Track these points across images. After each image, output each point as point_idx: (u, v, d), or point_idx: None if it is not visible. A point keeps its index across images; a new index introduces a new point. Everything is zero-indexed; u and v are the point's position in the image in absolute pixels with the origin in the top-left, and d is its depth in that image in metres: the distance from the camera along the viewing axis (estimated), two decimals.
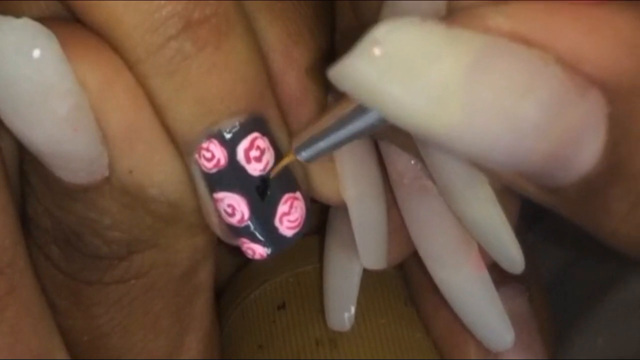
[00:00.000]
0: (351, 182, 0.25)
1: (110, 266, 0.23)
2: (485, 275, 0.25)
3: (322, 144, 0.21)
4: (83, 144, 0.21)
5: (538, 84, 0.17)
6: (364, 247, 0.26)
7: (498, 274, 0.26)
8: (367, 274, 0.27)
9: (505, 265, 0.24)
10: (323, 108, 0.24)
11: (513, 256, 0.24)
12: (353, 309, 0.27)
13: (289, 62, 0.23)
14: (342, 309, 0.27)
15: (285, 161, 0.22)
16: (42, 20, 0.20)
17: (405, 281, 0.29)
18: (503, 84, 0.17)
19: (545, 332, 0.29)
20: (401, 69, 0.17)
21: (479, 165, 0.21)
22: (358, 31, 0.17)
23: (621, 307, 0.30)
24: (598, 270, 0.32)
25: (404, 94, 0.17)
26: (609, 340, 0.30)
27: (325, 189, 0.25)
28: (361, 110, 0.20)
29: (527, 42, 0.17)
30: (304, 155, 0.21)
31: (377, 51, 0.17)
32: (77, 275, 0.23)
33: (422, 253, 0.25)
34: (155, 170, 0.22)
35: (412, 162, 0.24)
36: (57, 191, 0.22)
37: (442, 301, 0.26)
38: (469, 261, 0.25)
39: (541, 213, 0.35)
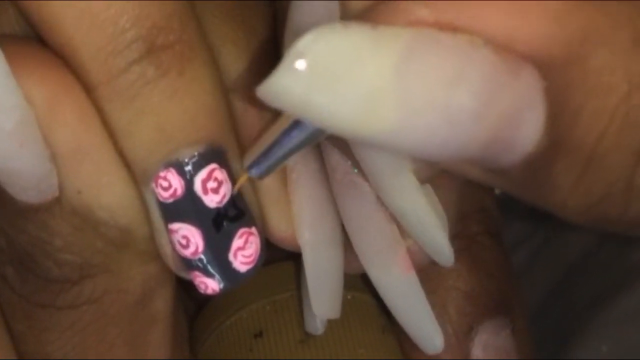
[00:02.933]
0: (308, 226, 0.24)
1: (62, 290, 0.23)
2: (412, 277, 0.24)
3: (270, 160, 0.21)
4: (30, 160, 0.21)
5: (468, 71, 0.17)
6: (317, 294, 0.25)
7: (483, 307, 0.26)
8: (342, 304, 0.26)
9: (436, 257, 0.23)
10: None
11: (440, 247, 0.23)
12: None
13: (250, 101, 0.23)
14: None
15: (241, 181, 0.22)
16: (6, 37, 0.21)
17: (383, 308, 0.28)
18: (433, 77, 0.17)
19: None
20: (328, 78, 0.17)
21: (418, 158, 0.21)
22: None
23: (626, 314, 0.30)
24: (603, 276, 0.31)
25: (334, 104, 0.17)
26: (613, 347, 0.29)
27: (280, 230, 0.24)
28: (299, 122, 0.20)
29: (454, 29, 0.17)
30: (255, 172, 0.21)
31: (301, 64, 0.17)
32: (30, 298, 0.23)
33: (356, 250, 0.24)
34: (103, 192, 0.22)
35: (343, 157, 0.23)
36: (11, 209, 0.22)
37: None
38: (397, 261, 0.24)
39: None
